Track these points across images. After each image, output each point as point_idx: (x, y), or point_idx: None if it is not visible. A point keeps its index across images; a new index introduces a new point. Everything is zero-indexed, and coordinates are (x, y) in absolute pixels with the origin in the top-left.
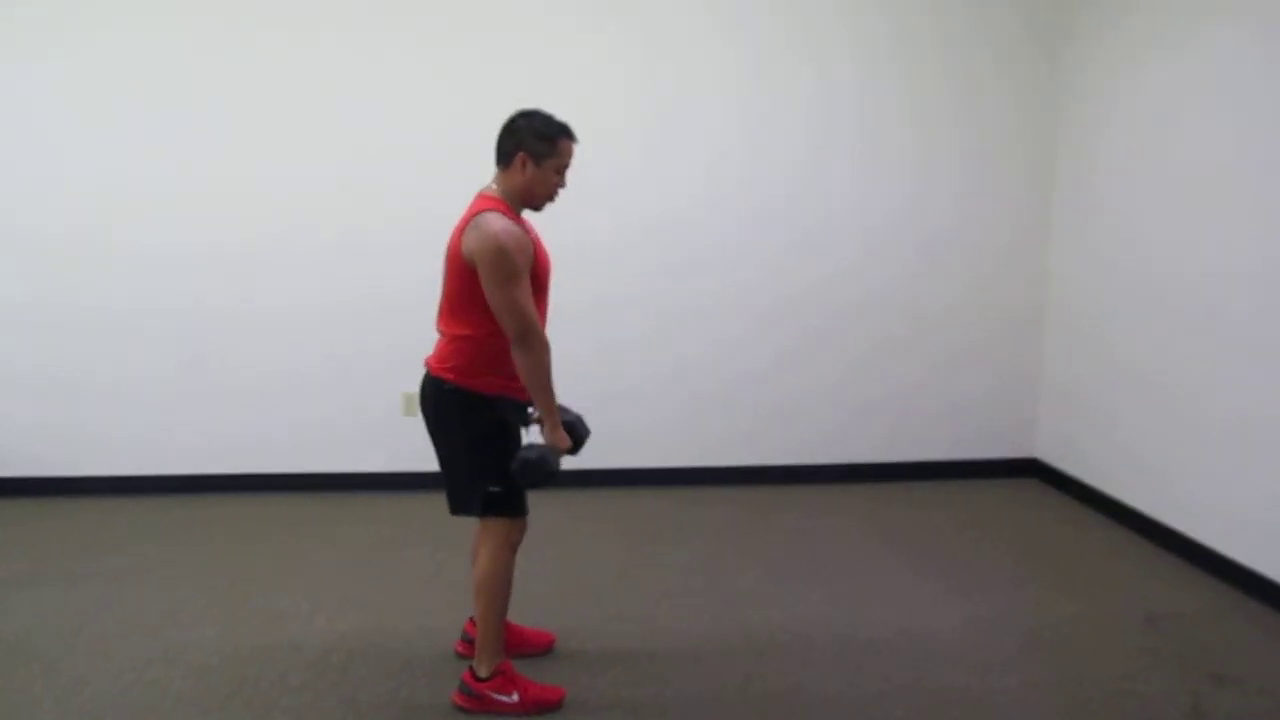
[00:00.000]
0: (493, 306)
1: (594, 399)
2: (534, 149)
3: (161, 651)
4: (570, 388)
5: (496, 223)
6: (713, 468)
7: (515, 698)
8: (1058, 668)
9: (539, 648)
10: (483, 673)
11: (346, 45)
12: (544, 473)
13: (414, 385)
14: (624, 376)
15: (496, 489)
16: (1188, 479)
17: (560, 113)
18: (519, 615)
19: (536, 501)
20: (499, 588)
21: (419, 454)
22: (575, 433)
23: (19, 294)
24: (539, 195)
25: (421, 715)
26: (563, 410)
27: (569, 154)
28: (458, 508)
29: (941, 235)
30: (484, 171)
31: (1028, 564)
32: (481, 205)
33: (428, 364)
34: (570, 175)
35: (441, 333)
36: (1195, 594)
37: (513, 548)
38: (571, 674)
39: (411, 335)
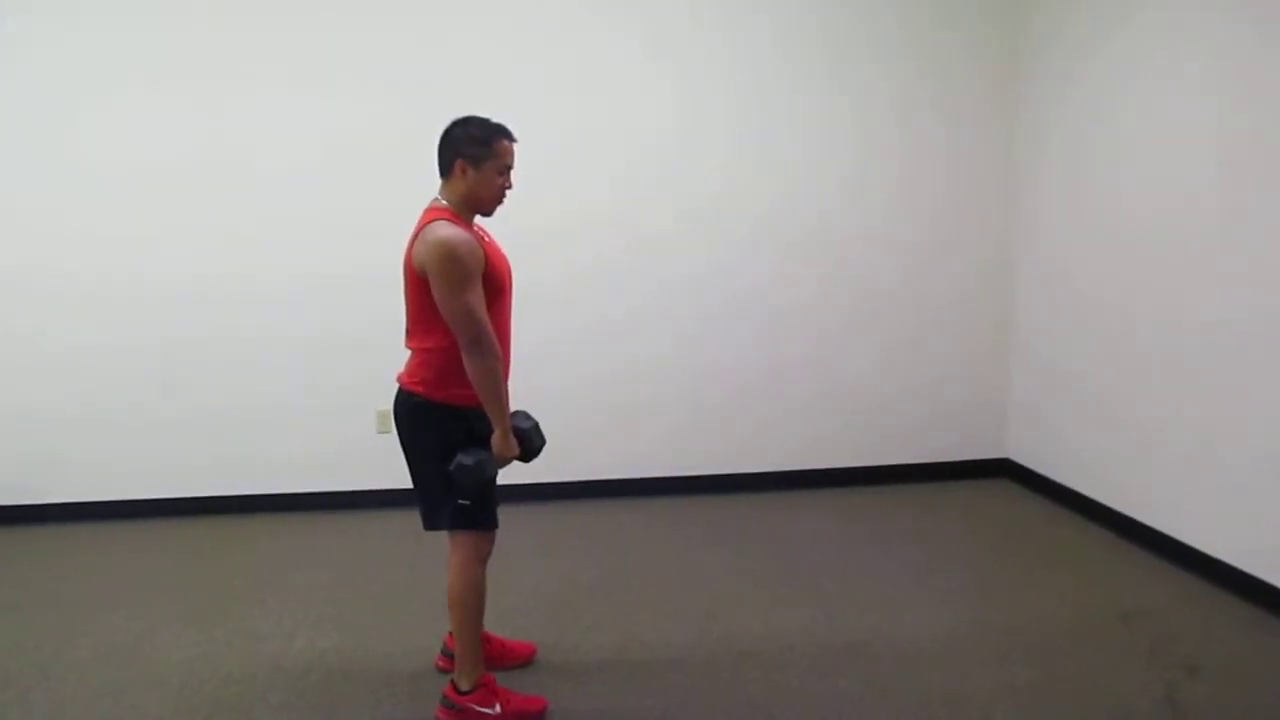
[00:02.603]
0: (444, 313)
1: (578, 413)
2: (470, 154)
3: (139, 674)
4: (554, 403)
5: (444, 230)
6: (692, 477)
7: (497, 709)
8: (1035, 667)
9: (521, 658)
10: (464, 686)
11: (327, 77)
12: (479, 479)
13: (389, 403)
14: (609, 393)
15: (465, 502)
16: (1150, 480)
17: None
18: (501, 627)
19: (520, 514)
20: (472, 601)
21: (394, 471)
22: (529, 441)
23: None
24: (484, 199)
25: None
26: (521, 416)
27: (507, 154)
28: (429, 522)
29: (920, 258)
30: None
31: (1004, 564)
32: (430, 217)
33: (399, 379)
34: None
35: (410, 349)
36: (1166, 587)
37: (481, 560)
38: (554, 684)
39: (386, 354)
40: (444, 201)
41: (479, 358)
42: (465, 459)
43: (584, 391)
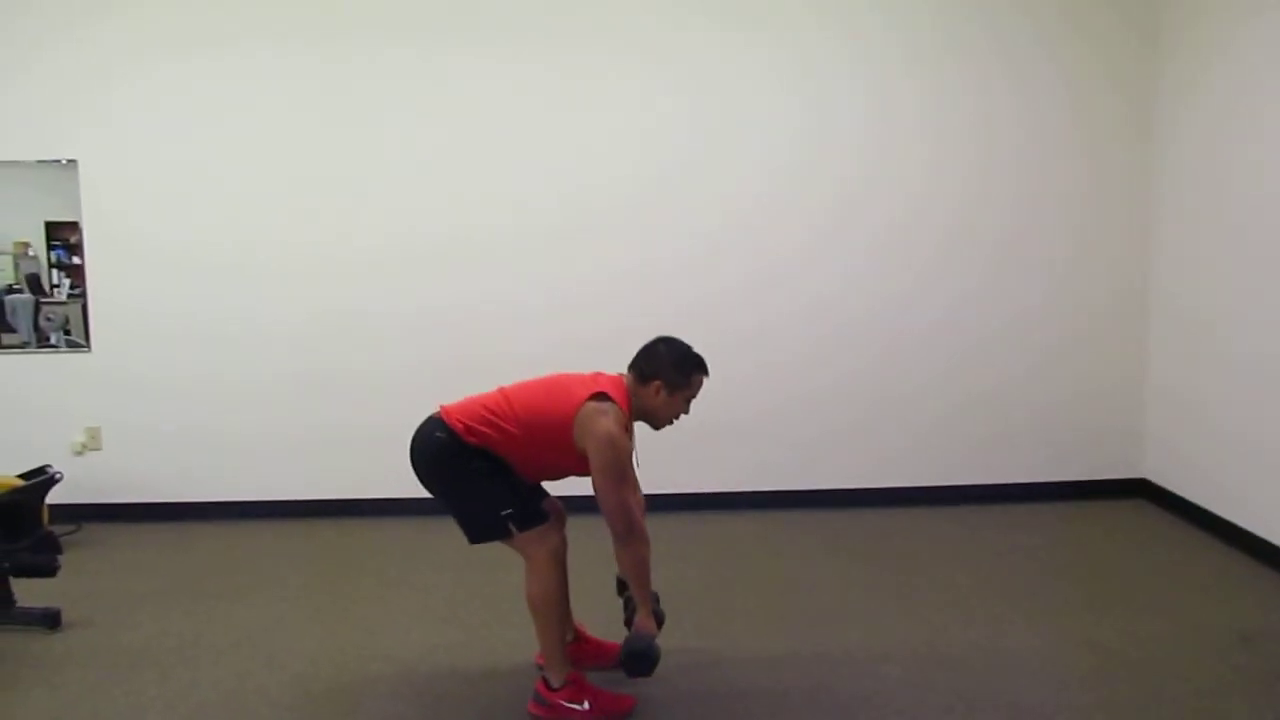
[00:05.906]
0: (600, 497)
1: (705, 427)
2: (671, 379)
3: (264, 659)
4: None
5: (615, 426)
6: (801, 491)
7: (586, 705)
8: (1137, 685)
9: (616, 659)
10: (555, 683)
11: (475, 75)
12: (653, 660)
13: None
14: (734, 409)
15: (509, 510)
16: None
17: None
18: (600, 629)
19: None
20: (552, 603)
21: None
22: (658, 618)
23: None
24: (663, 419)
25: None
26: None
27: (699, 387)
28: (478, 537)
29: (1018, 231)
30: (596, 202)
31: (1122, 585)
32: (613, 389)
33: (445, 408)
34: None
35: (490, 411)
36: None
37: (557, 560)
38: (645, 683)
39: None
40: (630, 391)
41: (633, 547)
42: (636, 645)
43: (710, 406)
